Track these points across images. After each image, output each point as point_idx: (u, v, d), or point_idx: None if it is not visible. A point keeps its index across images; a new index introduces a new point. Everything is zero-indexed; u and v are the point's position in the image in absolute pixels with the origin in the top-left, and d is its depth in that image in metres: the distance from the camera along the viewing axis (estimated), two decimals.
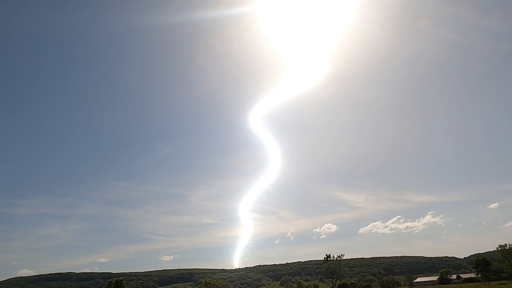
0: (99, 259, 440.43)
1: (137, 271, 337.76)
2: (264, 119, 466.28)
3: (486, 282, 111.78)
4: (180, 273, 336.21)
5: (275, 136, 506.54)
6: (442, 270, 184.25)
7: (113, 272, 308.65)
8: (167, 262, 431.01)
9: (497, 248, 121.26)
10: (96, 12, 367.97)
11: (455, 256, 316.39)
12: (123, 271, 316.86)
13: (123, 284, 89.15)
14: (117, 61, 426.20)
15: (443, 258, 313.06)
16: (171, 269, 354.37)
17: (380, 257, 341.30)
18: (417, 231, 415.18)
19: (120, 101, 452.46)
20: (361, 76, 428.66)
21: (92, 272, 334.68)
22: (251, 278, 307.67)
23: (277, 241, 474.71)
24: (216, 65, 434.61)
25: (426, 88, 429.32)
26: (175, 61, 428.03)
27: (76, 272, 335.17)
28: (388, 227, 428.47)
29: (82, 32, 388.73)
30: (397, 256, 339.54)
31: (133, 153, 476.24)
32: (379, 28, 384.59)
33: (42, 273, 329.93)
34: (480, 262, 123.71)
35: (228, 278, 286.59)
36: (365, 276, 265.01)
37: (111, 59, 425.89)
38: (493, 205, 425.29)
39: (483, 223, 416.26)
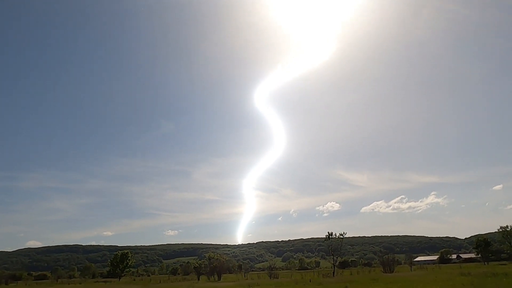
0: (104, 233, 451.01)
1: (142, 245, 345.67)
2: (269, 98, 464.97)
3: (485, 263, 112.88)
4: (184, 248, 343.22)
5: (279, 115, 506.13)
6: (443, 250, 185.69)
7: (118, 245, 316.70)
8: (171, 236, 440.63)
9: (498, 230, 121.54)
10: None
11: (456, 237, 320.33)
12: (128, 245, 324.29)
13: (129, 256, 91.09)
14: (122, 38, 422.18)
15: (444, 238, 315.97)
16: (175, 244, 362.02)
17: (381, 236, 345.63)
18: (420, 211, 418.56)
19: (125, 78, 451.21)
20: (368, 55, 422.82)
21: (98, 245, 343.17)
22: (254, 254, 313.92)
23: (280, 219, 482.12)
24: (222, 42, 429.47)
25: (434, 68, 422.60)
26: (180, 38, 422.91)
27: (83, 244, 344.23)
28: (391, 207, 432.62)
29: (89, 6, 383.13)
30: (398, 235, 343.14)
31: (137, 130, 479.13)
32: (388, 5, 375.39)
33: (50, 245, 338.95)
34: (481, 242, 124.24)
35: (231, 253, 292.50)
36: (366, 254, 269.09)
37: (117, 36, 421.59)
38: (497, 187, 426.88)
39: (486, 204, 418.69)
